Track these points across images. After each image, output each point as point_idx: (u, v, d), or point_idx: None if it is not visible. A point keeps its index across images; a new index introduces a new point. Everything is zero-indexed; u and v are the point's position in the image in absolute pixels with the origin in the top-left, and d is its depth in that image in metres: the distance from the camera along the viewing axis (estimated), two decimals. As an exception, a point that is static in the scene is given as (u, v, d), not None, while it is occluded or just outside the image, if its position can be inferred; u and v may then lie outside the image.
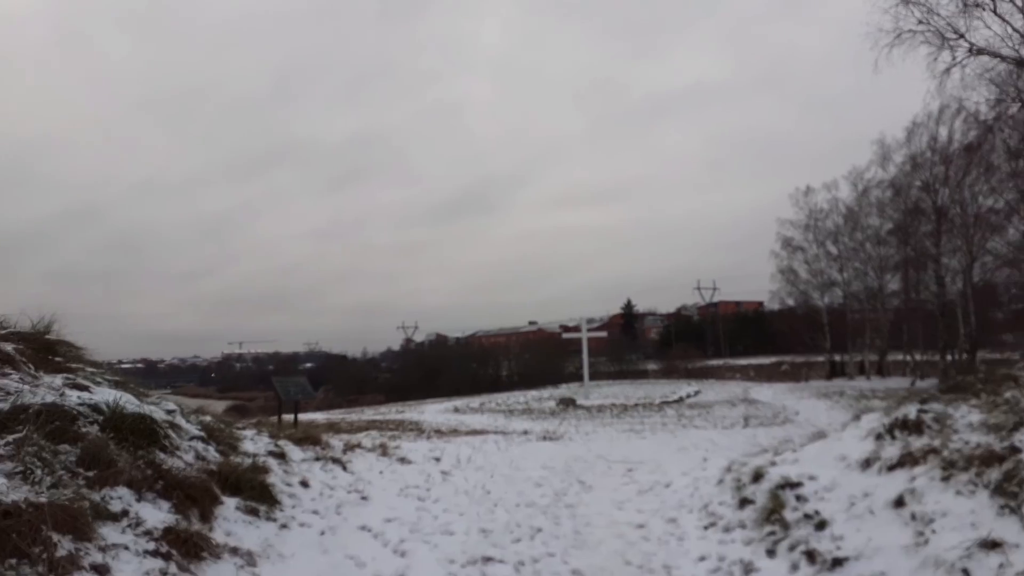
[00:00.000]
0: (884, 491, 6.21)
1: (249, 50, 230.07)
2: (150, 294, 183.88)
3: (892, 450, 6.97)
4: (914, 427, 7.31)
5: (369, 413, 29.58)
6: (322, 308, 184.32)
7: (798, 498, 6.91)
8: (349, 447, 11.53)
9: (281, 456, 9.17)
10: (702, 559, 6.56)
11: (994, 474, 5.57)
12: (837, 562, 5.53)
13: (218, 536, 6.09)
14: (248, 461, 8.19)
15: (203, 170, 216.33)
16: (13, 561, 4.17)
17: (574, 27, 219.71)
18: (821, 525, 6.22)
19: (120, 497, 5.69)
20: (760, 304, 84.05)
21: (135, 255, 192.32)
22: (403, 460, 11.46)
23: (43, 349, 8.10)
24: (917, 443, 6.84)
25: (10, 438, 5.50)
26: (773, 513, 6.75)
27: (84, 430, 6.31)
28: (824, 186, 48.97)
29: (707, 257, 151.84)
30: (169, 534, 5.55)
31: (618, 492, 9.61)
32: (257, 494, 7.28)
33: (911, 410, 7.68)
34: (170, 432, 7.41)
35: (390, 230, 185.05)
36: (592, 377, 38.36)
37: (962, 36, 22.33)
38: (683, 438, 15.78)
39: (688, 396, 32.65)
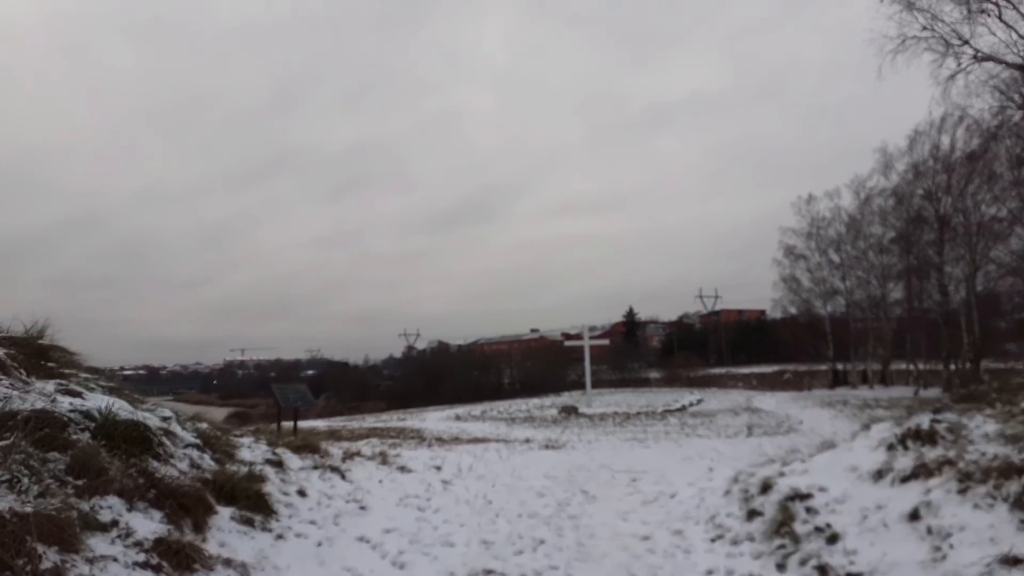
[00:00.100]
0: (898, 504, 6.02)
1: (249, 60, 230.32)
2: (152, 301, 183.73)
3: (905, 461, 6.77)
4: (927, 437, 7.12)
5: (370, 420, 29.40)
6: (324, 315, 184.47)
7: (808, 510, 6.73)
8: (348, 455, 11.34)
9: (279, 464, 8.99)
10: (710, 573, 6.38)
11: (1013, 487, 5.39)
12: (851, 577, 5.36)
13: (211, 547, 5.91)
14: (244, 469, 8.01)
15: (204, 178, 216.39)
16: (-5, 573, 4.00)
17: (574, 37, 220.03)
18: (833, 539, 6.03)
19: (110, 506, 5.52)
20: (762, 312, 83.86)
21: (137, 262, 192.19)
22: (403, 469, 11.28)
23: (36, 354, 7.93)
24: (931, 454, 6.65)
25: (-3, 445, 5.34)
26: (783, 526, 6.56)
27: (75, 437, 6.15)
28: (826, 194, 48.99)
29: (709, 265, 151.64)
30: (160, 545, 5.37)
31: (622, 503, 9.42)
32: (253, 503, 7.10)
33: (924, 420, 7.49)
34: (164, 439, 7.24)
35: (391, 238, 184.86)
36: (594, 385, 38.16)
37: (967, 42, 22.22)
38: (687, 447, 15.58)
39: (691, 405, 32.46)
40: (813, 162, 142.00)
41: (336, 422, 29.41)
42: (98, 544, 5.00)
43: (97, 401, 7.05)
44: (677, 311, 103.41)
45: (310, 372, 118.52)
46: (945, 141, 38.17)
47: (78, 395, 7.24)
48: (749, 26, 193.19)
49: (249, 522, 6.76)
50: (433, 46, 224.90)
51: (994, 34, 22.42)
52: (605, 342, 52.84)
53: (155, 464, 6.63)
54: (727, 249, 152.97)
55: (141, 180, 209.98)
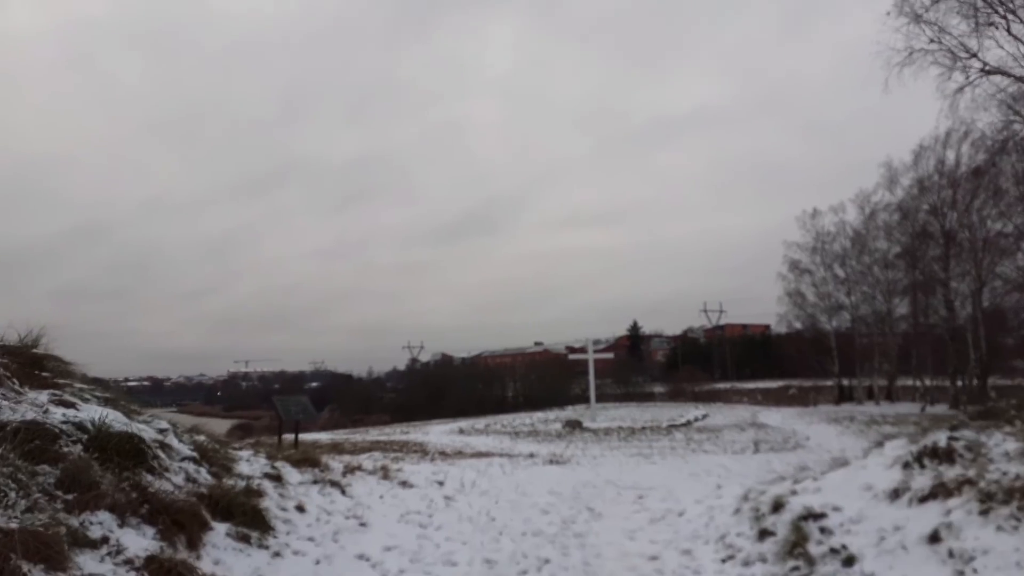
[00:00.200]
0: (917, 525, 5.81)
1: (255, 72, 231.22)
2: (157, 312, 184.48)
3: (923, 480, 6.55)
4: (945, 456, 6.91)
5: (374, 433, 29.14)
6: (328, 327, 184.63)
7: (822, 530, 6.51)
8: (349, 469, 11.13)
9: (277, 479, 8.80)
10: (721, 595, 6.17)
11: (1039, 509, 5.18)
12: (869, 602, 5.15)
13: (205, 565, 5.73)
14: (242, 484, 7.82)
15: (209, 189, 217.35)
16: (-24, 593, 3.82)
17: (578, 50, 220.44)
18: (849, 561, 5.82)
19: (101, 522, 5.34)
20: (767, 327, 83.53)
21: (142, 273, 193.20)
22: (405, 484, 11.07)
23: (30, 364, 7.77)
24: (950, 473, 6.43)
25: (-17, 458, 5.17)
26: (796, 546, 6.34)
27: (66, 450, 5.97)
28: (831, 209, 48.72)
29: (713, 279, 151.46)
30: (152, 563, 5.19)
31: (629, 520, 9.19)
32: (250, 519, 6.91)
33: (941, 437, 7.27)
34: (160, 452, 7.06)
35: (395, 250, 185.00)
36: (598, 399, 37.88)
37: (974, 55, 22.05)
38: (694, 463, 15.35)
39: (696, 419, 32.18)
40: (817, 177, 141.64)
41: (339, 435, 29.16)
42: (87, 562, 4.82)
43: (91, 412, 6.88)
44: (681, 325, 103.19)
45: (314, 384, 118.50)
46: (950, 156, 38.12)
47: (72, 406, 7.07)
48: (753, 41, 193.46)
49: (245, 539, 6.57)
50: (437, 58, 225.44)
51: (1002, 47, 22.29)
52: (609, 356, 52.48)
53: (149, 478, 6.45)
54: (731, 263, 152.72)
55: (147, 191, 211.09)
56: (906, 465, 7.12)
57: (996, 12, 21.94)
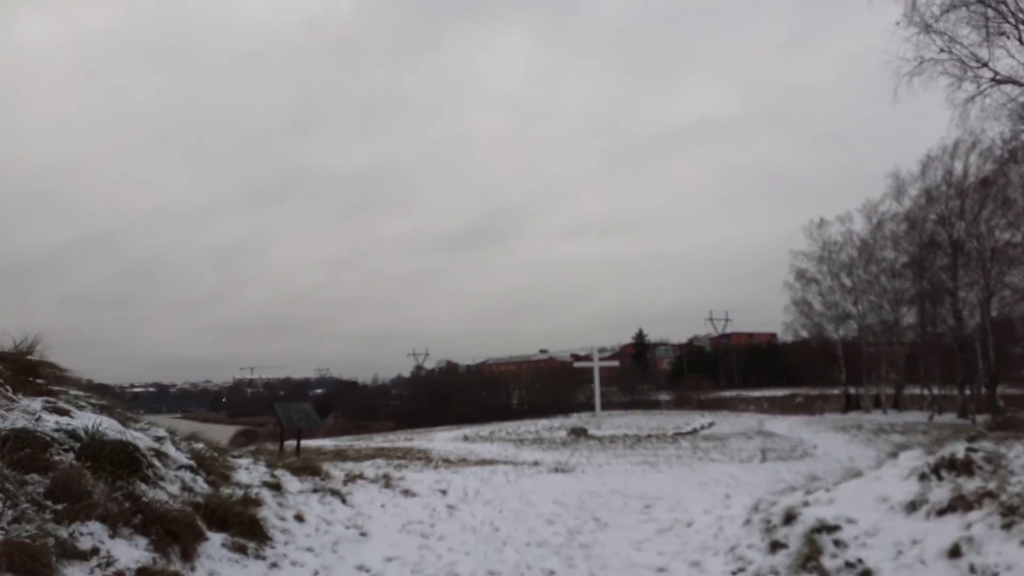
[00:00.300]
0: (936, 539, 5.59)
1: (264, 84, 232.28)
2: (164, 320, 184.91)
3: (941, 492, 6.33)
4: (963, 467, 6.69)
5: (378, 440, 28.95)
6: (333, 335, 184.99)
7: (836, 543, 6.29)
8: (350, 478, 10.95)
9: (276, 487, 8.61)
10: (731, 610, 5.96)
11: (1064, 523, 4.97)
12: (887, 619, 4.94)
13: (199, 577, 5.54)
14: (239, 493, 7.64)
15: (217, 199, 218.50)
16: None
17: (586, 63, 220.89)
18: (866, 575, 5.60)
19: (91, 533, 5.17)
20: (773, 336, 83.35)
21: (149, 281, 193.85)
22: (407, 492, 10.87)
23: (24, 370, 7.60)
24: (969, 485, 6.21)
25: (-31, 468, 5.00)
26: (809, 560, 6.12)
27: (57, 458, 5.80)
28: (838, 219, 48.66)
29: (719, 288, 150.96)
30: (143, 575, 5.02)
31: (636, 531, 8.98)
32: (247, 529, 6.72)
33: (959, 448, 7.05)
34: (155, 461, 6.88)
35: (401, 259, 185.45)
36: (604, 407, 37.73)
37: (985, 65, 21.81)
38: (701, 472, 15.13)
39: (702, 428, 31.94)
40: (823, 187, 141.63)
41: (343, 441, 28.97)
42: (75, 573, 4.66)
43: (85, 420, 6.72)
44: (687, 333, 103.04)
45: (319, 391, 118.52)
46: (958, 166, 38.05)
47: (66, 413, 6.90)
48: (760, 53, 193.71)
49: (242, 549, 6.38)
50: (446, 71, 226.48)
51: (1013, 56, 22.04)
52: (615, 364, 52.39)
53: (143, 487, 6.28)
54: (738, 273, 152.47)
55: (157, 200, 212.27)
56: (923, 477, 6.90)
57: (1007, 21, 21.71)
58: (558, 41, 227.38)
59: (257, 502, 7.63)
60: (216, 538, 6.26)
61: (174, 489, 6.76)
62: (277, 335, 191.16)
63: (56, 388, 7.70)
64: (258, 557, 6.43)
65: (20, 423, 5.94)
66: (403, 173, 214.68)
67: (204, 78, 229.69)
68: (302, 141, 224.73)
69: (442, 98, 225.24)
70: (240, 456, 10.29)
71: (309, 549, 7.15)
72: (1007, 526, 5.27)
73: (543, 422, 39.22)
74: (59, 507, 5.20)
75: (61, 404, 7.15)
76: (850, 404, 49.77)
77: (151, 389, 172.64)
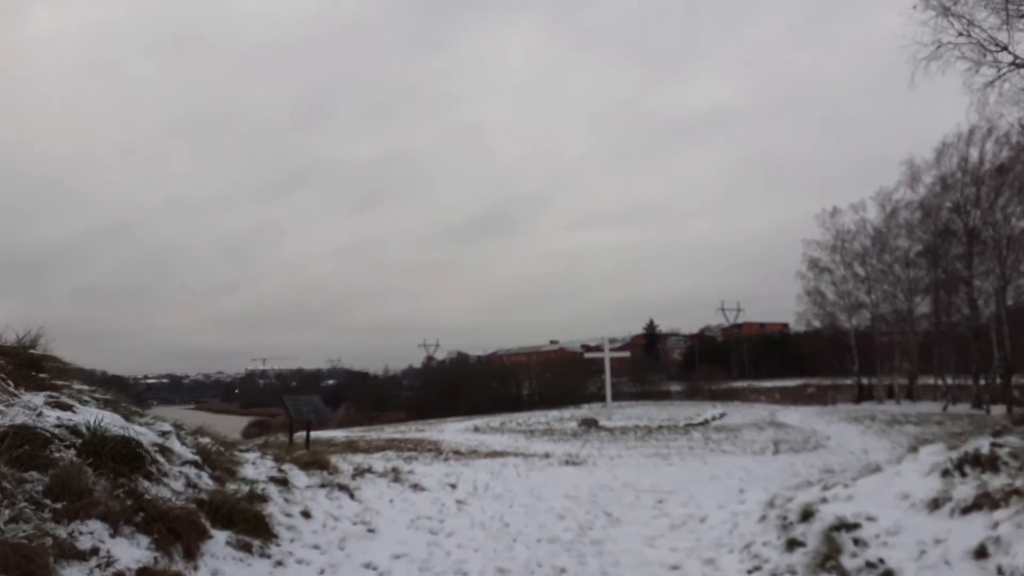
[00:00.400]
0: (960, 538, 5.40)
1: (275, 74, 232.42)
2: (176, 311, 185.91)
3: (965, 490, 6.12)
4: (988, 463, 6.48)
5: (389, 431, 28.86)
6: (345, 326, 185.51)
7: (856, 542, 6.09)
8: (359, 472, 10.83)
9: (283, 482, 8.49)
10: (748, 610, 5.79)
11: (1095, 522, 4.78)
12: (911, 622, 4.76)
13: (202, 577, 5.41)
14: (245, 489, 7.53)
15: (229, 190, 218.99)
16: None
17: (596, 51, 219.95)
18: (888, 576, 5.43)
19: (92, 532, 5.05)
20: (785, 326, 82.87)
21: (162, 272, 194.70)
22: (416, 487, 10.74)
23: (27, 365, 7.51)
24: (995, 482, 6.00)
25: (-35, 466, 4.88)
26: (828, 559, 5.93)
27: (57, 455, 5.68)
28: (851, 207, 48.15)
29: (731, 278, 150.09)
30: (144, 575, 4.89)
31: (648, 526, 8.81)
32: (251, 527, 6.59)
33: (983, 443, 6.84)
34: (159, 457, 6.76)
35: (412, 249, 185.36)
36: (614, 398, 37.52)
37: (1004, 48, 21.39)
38: (714, 465, 14.94)
39: (713, 418, 31.77)
40: (835, 176, 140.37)
41: (354, 432, 28.91)
42: (73, 574, 4.52)
43: (87, 415, 6.59)
44: (698, 324, 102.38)
45: (331, 382, 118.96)
46: (974, 153, 37.61)
47: (68, 408, 6.79)
48: (772, 40, 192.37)
49: (247, 547, 6.25)
50: (457, 61, 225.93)
51: (1034, 40, 21.63)
52: (625, 354, 52.14)
53: (146, 484, 6.16)
54: (749, 262, 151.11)
55: (168, 191, 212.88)
56: (945, 473, 6.71)
57: (1028, 4, 21.32)
58: (568, 30, 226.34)
59: (263, 498, 7.50)
60: (220, 536, 6.14)
61: (178, 486, 6.64)
62: (289, 326, 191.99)
63: (59, 382, 7.60)
64: (263, 555, 6.31)
65: (20, 419, 5.82)
66: (414, 163, 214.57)
67: (214, 69, 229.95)
68: (313, 132, 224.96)
69: (452, 88, 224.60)
70: (248, 450, 10.18)
71: (315, 546, 7.02)
72: (1036, 526, 5.09)
73: (554, 413, 39.11)
74: (58, 506, 5.08)
75: (64, 399, 7.04)
76: (863, 394, 49.45)
77: (164, 380, 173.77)
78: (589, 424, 27.78)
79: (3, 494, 4.77)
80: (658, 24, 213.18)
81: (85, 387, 8.13)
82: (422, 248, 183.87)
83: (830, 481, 9.20)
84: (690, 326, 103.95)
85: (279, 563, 6.31)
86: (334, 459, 11.54)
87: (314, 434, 22.42)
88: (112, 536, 5.13)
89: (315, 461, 10.33)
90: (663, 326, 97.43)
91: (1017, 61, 21.20)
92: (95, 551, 4.87)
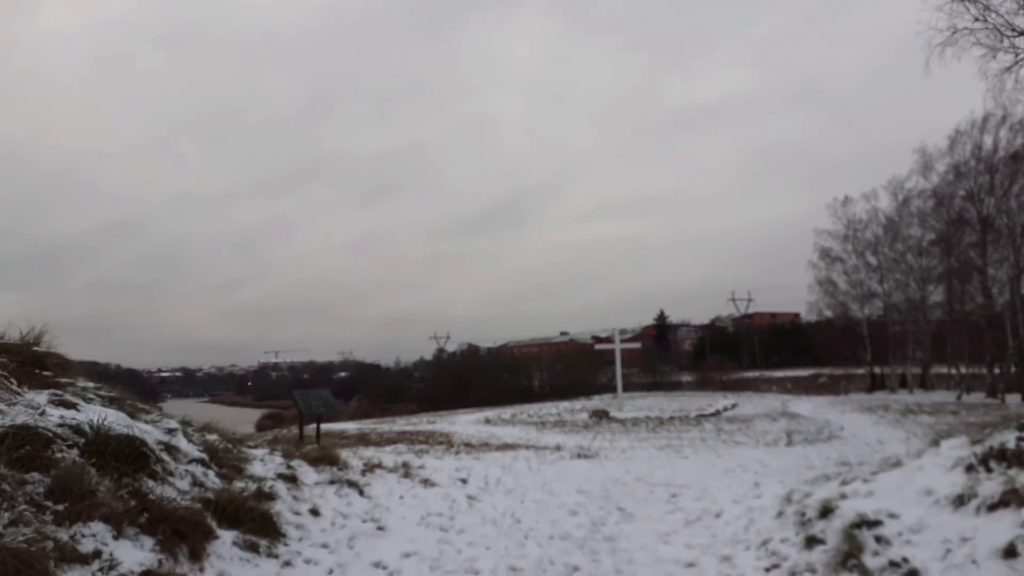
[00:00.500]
0: (988, 537, 5.22)
1: (283, 68, 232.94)
2: (189, 304, 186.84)
3: (991, 486, 5.93)
4: (1014, 458, 6.30)
5: (400, 423, 28.80)
6: (356, 318, 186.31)
7: (878, 540, 5.92)
8: (369, 467, 10.71)
9: (292, 479, 8.37)
10: (768, 610, 5.63)
11: None
12: (938, 624, 4.59)
13: (207, 579, 5.29)
14: (253, 487, 7.40)
15: (239, 184, 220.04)
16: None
17: (604, 43, 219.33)
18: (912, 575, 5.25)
19: (94, 534, 4.92)
20: (796, 315, 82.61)
21: (175, 266, 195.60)
22: (426, 482, 10.61)
23: (30, 363, 7.40)
24: (1022, 478, 5.82)
25: (-37, 467, 4.76)
26: (850, 557, 5.76)
27: (59, 455, 5.55)
28: (863, 196, 47.90)
29: (741, 268, 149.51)
30: (148, 578, 4.77)
31: (662, 522, 8.66)
32: (259, 526, 6.47)
33: (1008, 438, 6.66)
34: (164, 456, 6.64)
35: (422, 242, 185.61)
36: (625, 388, 37.31)
37: (1021, 33, 21.07)
38: (727, 457, 14.77)
39: (725, 409, 31.57)
40: (846, 164, 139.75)
41: (366, 424, 28.85)
42: (74, 579, 4.40)
43: (91, 413, 6.47)
44: (709, 314, 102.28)
45: (343, 374, 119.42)
46: (988, 141, 37.37)
47: (72, 406, 6.68)
48: (782, 29, 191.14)
49: (254, 547, 6.13)
50: (464, 53, 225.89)
51: (1050, 25, 21.31)
52: (636, 345, 51.86)
53: (151, 484, 6.03)
54: (760, 252, 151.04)
55: (179, 185, 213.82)
56: (969, 468, 6.52)
57: (1046, -12, 20.99)
58: (576, 21, 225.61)
59: (271, 496, 7.38)
60: (227, 536, 6.01)
61: (184, 485, 6.52)
62: (301, 319, 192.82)
63: (63, 380, 7.50)
64: (270, 555, 6.18)
65: (20, 419, 5.70)
66: (422, 156, 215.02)
67: (222, 63, 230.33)
68: (321, 125, 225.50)
69: (460, 80, 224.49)
70: (256, 446, 10.07)
71: (324, 545, 6.89)
72: (1067, 524, 4.91)
73: (564, 404, 38.97)
74: (60, 507, 4.96)
75: (68, 397, 6.94)
76: (875, 384, 49.24)
77: (178, 373, 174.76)
78: (600, 416, 27.64)
79: (3, 497, 4.66)
80: (665, 15, 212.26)
81: (90, 384, 8.02)
82: (432, 240, 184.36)
83: (848, 476, 9.01)
84: (701, 317, 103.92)
85: (287, 563, 6.19)
86: (344, 454, 11.44)
87: (326, 426, 22.39)
88: (115, 538, 5.01)
89: (325, 457, 10.22)
90: (673, 317, 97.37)
91: (1034, 46, 20.90)
92: (98, 554, 4.74)
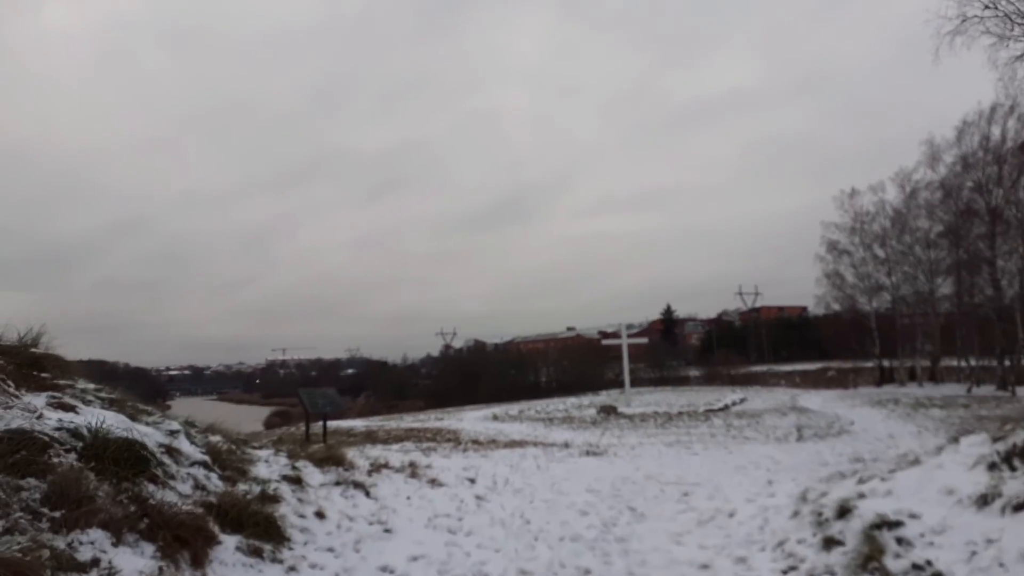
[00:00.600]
0: (1015, 538, 5.05)
1: (288, 65, 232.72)
2: (196, 302, 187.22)
3: (1016, 485, 5.74)
4: (1039, 456, 6.13)
5: (408, 420, 28.70)
6: (363, 315, 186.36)
7: (899, 541, 5.74)
8: (375, 467, 10.55)
9: (296, 481, 8.22)
10: (786, 615, 5.46)
11: None
12: (965, 631, 4.42)
13: (209, 587, 5.14)
14: (256, 489, 7.25)
15: (244, 181, 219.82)
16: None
17: (609, 36, 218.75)
18: (936, 579, 5.08)
19: (92, 541, 4.77)
20: (804, 309, 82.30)
21: (181, 265, 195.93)
22: (434, 482, 10.45)
23: (28, 364, 7.25)
24: (1048, 477, 5.66)
25: (-44, 475, 4.62)
26: (870, 560, 5.58)
27: (56, 460, 5.40)
28: (870, 188, 47.68)
29: (748, 262, 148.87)
30: (148, 587, 4.62)
31: (674, 522, 8.49)
32: (263, 530, 6.30)
33: (1032, 435, 6.49)
34: (165, 459, 6.49)
35: (428, 238, 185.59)
36: (632, 384, 37.22)
37: (1032, 21, 20.84)
38: (739, 454, 14.58)
39: (734, 404, 31.44)
40: (853, 157, 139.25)
41: (374, 422, 28.77)
42: (71, 588, 4.26)
43: (90, 416, 6.33)
44: (716, 308, 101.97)
45: (350, 371, 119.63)
46: (996, 131, 37.16)
47: (71, 409, 6.54)
48: (788, 21, 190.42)
49: (257, 552, 5.97)
50: (469, 49, 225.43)
51: (1062, 12, 21.06)
52: (643, 340, 51.86)
53: (151, 488, 5.88)
54: (767, 246, 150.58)
55: (183, 183, 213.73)
56: (992, 466, 6.34)
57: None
58: (580, 15, 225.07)
59: (275, 499, 7.23)
60: (230, 541, 5.86)
61: (185, 489, 6.37)
62: (308, 316, 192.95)
63: (62, 382, 7.35)
64: (275, 560, 6.03)
65: (16, 423, 5.55)
66: (427, 151, 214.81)
67: (227, 59, 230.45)
68: (326, 121, 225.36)
69: (464, 75, 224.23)
70: (261, 447, 9.92)
71: (330, 549, 6.74)
72: (1098, 525, 4.74)
73: (572, 400, 38.86)
74: (57, 514, 4.81)
75: (67, 399, 6.80)
76: (884, 377, 49.04)
77: (186, 372, 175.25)
78: (608, 411, 27.49)
79: (-3, 504, 4.51)
80: (671, 8, 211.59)
81: (90, 385, 7.88)
82: (437, 236, 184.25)
83: (865, 474, 8.83)
84: (708, 311, 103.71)
85: (292, 568, 6.04)
86: (351, 453, 11.30)
87: (334, 424, 22.30)
88: (114, 545, 4.86)
89: (330, 457, 10.06)
90: (680, 311, 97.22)
91: (1045, 34, 20.66)
92: (96, 562, 4.60)
